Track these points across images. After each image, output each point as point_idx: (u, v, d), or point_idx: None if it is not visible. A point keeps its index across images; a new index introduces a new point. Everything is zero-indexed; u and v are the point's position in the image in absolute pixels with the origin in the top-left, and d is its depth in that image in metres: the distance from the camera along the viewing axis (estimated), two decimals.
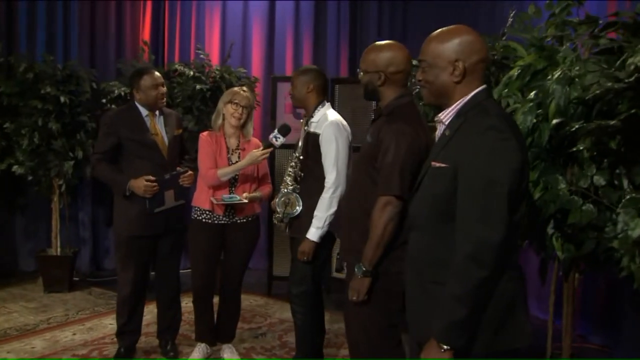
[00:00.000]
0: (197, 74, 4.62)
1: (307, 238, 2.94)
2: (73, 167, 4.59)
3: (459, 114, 1.76)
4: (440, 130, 1.84)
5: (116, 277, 5.17)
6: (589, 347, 3.73)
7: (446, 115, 1.80)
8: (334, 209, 2.93)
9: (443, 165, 1.73)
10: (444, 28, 1.82)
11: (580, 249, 2.10)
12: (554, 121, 1.95)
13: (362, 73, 2.40)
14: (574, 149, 2.07)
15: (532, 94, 2.38)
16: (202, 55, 4.85)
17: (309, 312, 3.08)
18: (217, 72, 4.77)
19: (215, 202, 3.22)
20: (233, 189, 3.30)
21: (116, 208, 3.35)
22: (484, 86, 1.78)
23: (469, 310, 1.60)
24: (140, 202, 3.18)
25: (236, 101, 3.26)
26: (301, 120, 3.19)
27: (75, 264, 4.94)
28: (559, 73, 2.21)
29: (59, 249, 4.77)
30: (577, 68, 2.20)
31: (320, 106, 3.06)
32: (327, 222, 2.93)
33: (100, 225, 5.44)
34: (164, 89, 3.32)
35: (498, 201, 1.60)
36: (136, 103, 3.29)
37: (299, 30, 5.73)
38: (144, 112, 3.29)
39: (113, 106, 4.57)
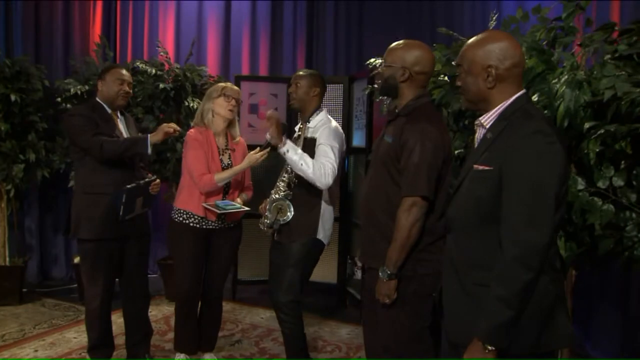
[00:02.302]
0: (159, 73, 4.42)
1: (282, 143, 2.82)
2: (23, 170, 4.28)
3: (501, 117, 1.77)
4: (480, 133, 1.84)
5: (68, 287, 5.04)
6: None
7: (487, 119, 1.80)
8: (311, 174, 2.81)
9: (487, 168, 1.73)
10: (480, 34, 1.83)
11: (597, 248, 2.18)
12: (586, 125, 2.00)
13: (384, 67, 2.35)
14: (586, 151, 2.13)
15: (535, 96, 2.43)
16: (162, 53, 4.64)
17: (297, 320, 3.02)
18: (177, 71, 4.59)
19: (217, 210, 3.03)
20: (226, 194, 3.19)
21: (74, 209, 3.10)
22: (523, 91, 1.80)
23: (514, 312, 1.63)
24: (103, 202, 2.98)
25: (228, 94, 3.15)
26: (299, 125, 3.12)
27: (25, 274, 4.60)
28: (566, 77, 2.26)
29: (7, 259, 4.43)
30: (582, 72, 2.27)
31: (317, 112, 3.01)
32: (298, 163, 2.81)
33: (47, 232, 5.11)
34: (128, 89, 3.16)
35: (545, 204, 1.63)
36: (98, 100, 3.13)
37: (255, 29, 5.61)
38: (108, 109, 3.13)
39: (68, 105, 4.30)
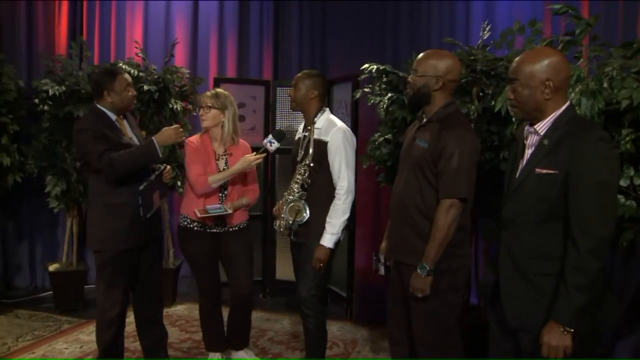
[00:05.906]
0: (141, 74, 4.34)
1: (322, 245, 2.97)
2: None
3: (555, 126, 1.98)
4: (533, 139, 2.04)
5: (37, 296, 4.81)
6: None
7: (542, 127, 2.01)
8: (347, 215, 3.00)
9: (551, 171, 1.93)
10: (531, 50, 2.05)
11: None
12: (624, 132, 2.25)
13: (416, 76, 2.47)
14: None
15: None
16: (139, 54, 4.55)
17: (320, 315, 3.11)
18: (154, 72, 4.52)
19: (199, 214, 3.09)
20: (223, 196, 3.23)
21: (95, 223, 3.03)
22: (569, 102, 2.02)
23: (589, 297, 1.87)
24: (126, 212, 2.94)
25: (201, 104, 3.22)
26: (302, 126, 3.19)
27: None
28: (580, 86, 2.51)
29: None
30: (593, 82, 2.53)
31: (321, 112, 3.09)
32: (341, 228, 2.99)
33: (10, 239, 4.88)
34: (134, 91, 3.11)
35: (611, 201, 1.90)
36: (100, 107, 3.01)
37: (222, 30, 5.58)
38: (112, 116, 3.03)
39: (46, 107, 4.13)
